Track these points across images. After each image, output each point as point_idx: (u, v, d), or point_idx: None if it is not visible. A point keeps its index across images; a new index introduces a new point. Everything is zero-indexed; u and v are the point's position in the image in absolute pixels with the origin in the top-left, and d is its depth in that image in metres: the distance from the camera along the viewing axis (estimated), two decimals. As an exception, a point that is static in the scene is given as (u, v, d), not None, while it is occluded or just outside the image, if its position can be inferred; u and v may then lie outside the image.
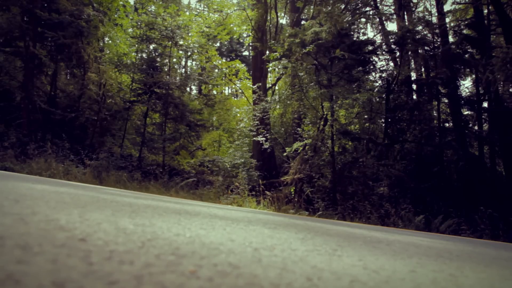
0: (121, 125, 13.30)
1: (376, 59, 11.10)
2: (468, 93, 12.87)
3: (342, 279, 0.87)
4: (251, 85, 15.81)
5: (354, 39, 11.18)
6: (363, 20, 15.43)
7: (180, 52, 16.06)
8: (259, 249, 1.12)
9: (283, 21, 18.24)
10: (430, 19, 13.05)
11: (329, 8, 12.82)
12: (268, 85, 15.64)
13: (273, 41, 12.05)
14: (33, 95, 10.46)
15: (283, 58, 11.12)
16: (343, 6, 13.75)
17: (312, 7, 14.30)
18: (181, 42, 15.07)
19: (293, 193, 10.01)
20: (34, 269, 0.60)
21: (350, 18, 13.19)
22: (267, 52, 11.96)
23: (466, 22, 12.37)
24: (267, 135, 11.50)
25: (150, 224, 1.31)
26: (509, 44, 8.79)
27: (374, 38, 15.82)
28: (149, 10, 18.13)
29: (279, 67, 12.08)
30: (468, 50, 11.60)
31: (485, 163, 10.64)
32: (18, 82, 11.18)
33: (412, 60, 13.52)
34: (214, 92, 21.75)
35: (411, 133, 10.73)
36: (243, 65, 19.22)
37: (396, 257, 1.40)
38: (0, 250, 0.69)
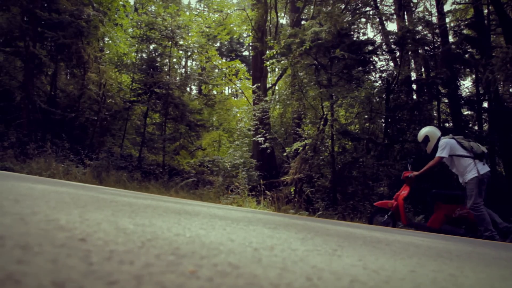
0: (121, 125, 13.30)
1: (376, 59, 11.10)
2: (468, 93, 12.88)
3: (342, 279, 0.87)
4: (251, 85, 15.82)
5: (354, 39, 11.17)
6: (363, 20, 15.44)
7: (180, 52, 16.06)
8: (259, 249, 1.12)
9: (283, 21, 18.24)
10: (430, 19, 13.06)
11: (329, 8, 12.83)
12: (268, 85, 15.65)
13: (269, 37, 11.99)
14: (33, 95, 10.46)
15: (282, 57, 11.11)
16: (343, 6, 13.75)
17: (312, 7, 14.29)
18: (181, 42, 15.07)
19: (293, 193, 10.01)
20: (34, 269, 0.60)
21: (350, 18, 13.18)
22: (267, 52, 11.98)
23: (466, 22, 12.38)
24: (266, 135, 11.49)
25: (150, 224, 1.31)
26: (509, 44, 8.78)
27: (374, 38, 15.84)
28: (149, 10, 18.15)
29: (278, 66, 12.07)
30: (468, 50, 11.61)
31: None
32: (18, 82, 11.18)
33: (412, 60, 13.53)
34: (214, 92, 21.76)
35: (411, 133, 10.72)
36: (243, 65, 19.22)
37: (396, 257, 1.40)
38: (0, 250, 0.69)
